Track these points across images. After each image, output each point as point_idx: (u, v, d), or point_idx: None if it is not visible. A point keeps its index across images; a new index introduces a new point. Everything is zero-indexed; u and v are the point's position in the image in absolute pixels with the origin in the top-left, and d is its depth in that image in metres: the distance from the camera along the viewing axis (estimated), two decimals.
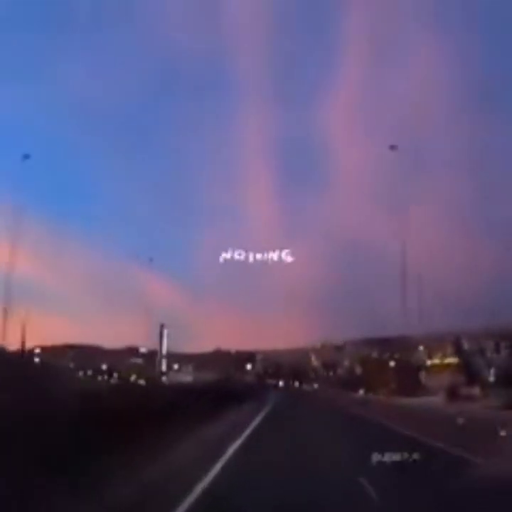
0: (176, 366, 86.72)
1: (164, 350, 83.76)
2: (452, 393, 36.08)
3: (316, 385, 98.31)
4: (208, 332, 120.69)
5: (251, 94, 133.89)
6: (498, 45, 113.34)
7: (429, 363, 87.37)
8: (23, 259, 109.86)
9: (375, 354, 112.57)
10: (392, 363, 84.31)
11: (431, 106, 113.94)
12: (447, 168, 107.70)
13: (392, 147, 55.56)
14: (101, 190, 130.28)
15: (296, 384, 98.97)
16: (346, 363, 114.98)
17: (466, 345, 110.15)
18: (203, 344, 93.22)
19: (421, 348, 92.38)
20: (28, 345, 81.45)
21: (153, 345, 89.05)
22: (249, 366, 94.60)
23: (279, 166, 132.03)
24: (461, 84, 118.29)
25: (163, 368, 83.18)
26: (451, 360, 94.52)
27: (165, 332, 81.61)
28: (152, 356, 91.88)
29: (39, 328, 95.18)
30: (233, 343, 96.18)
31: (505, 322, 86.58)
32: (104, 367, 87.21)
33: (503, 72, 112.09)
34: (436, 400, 38.20)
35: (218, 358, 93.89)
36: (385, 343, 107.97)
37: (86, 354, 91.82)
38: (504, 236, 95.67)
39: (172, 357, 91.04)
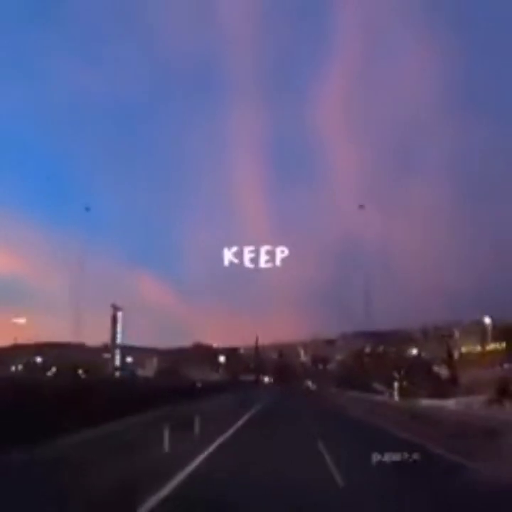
0: (129, 360, 75.00)
1: (118, 339, 71.13)
2: (503, 391, 25.52)
3: (310, 383, 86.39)
4: (188, 327, 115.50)
5: (243, 95, 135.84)
6: (490, 44, 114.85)
7: (463, 350, 75.51)
8: (10, 260, 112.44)
9: (368, 348, 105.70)
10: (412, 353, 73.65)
11: (420, 107, 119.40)
12: (436, 167, 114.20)
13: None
14: (92, 191, 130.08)
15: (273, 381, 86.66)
16: (339, 357, 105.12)
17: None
18: (182, 339, 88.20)
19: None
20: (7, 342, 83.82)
21: (131, 341, 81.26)
22: (222, 360, 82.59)
23: (270, 166, 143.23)
24: (453, 86, 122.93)
25: (117, 361, 70.35)
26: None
27: (120, 316, 68.75)
28: (126, 351, 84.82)
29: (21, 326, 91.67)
30: (216, 338, 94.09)
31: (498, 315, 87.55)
32: (38, 360, 76.55)
33: (494, 72, 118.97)
34: (477, 400, 27.28)
35: (196, 353, 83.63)
36: (379, 337, 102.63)
37: (67, 351, 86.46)
38: (496, 234, 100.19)
39: (142, 351, 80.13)
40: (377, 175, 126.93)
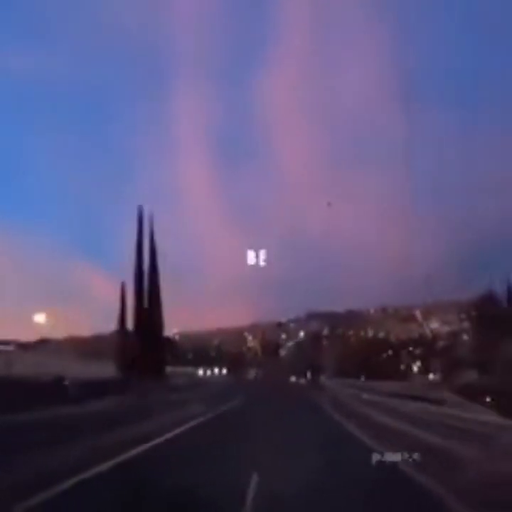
0: None
1: None
2: None
3: (257, 372, 69.64)
4: (110, 312, 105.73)
5: (192, 81, 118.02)
6: (444, 29, 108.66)
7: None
8: None
9: (326, 331, 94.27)
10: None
11: (374, 93, 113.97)
12: (388, 154, 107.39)
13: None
14: (39, 179, 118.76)
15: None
16: (291, 342, 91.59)
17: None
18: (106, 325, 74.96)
19: None
20: None
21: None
22: None
23: (218, 152, 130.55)
24: (404, 76, 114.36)
25: None
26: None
27: None
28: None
29: None
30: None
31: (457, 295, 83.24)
32: None
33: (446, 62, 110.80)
34: None
35: (112, 341, 66.47)
36: (332, 318, 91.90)
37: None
38: (452, 218, 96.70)
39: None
40: (329, 161, 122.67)
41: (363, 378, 36.86)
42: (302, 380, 62.29)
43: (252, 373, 61.92)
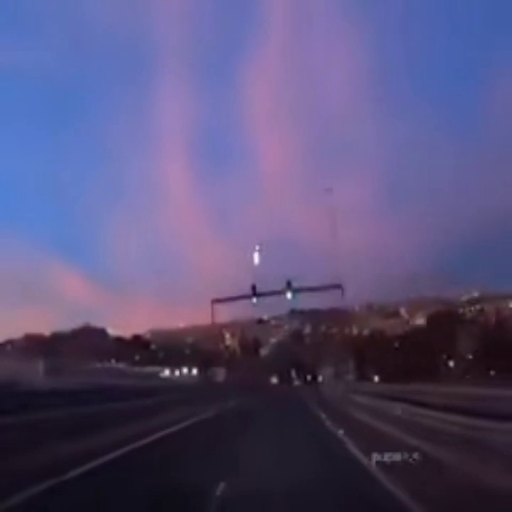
0: None
1: None
2: None
3: (227, 372, 61.43)
4: (80, 310, 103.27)
5: (175, 82, 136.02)
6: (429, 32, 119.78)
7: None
8: None
9: (308, 328, 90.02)
10: None
11: (354, 95, 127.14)
12: (371, 155, 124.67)
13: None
14: (16, 183, 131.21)
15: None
16: (273, 339, 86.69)
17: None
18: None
19: None
20: None
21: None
22: None
23: (197, 156, 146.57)
24: (385, 73, 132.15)
25: None
26: None
27: None
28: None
29: None
30: (116, 323, 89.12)
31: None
32: None
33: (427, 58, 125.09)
34: None
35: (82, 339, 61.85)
36: (317, 315, 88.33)
37: None
38: (431, 218, 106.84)
39: None
40: (314, 161, 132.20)
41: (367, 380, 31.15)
42: (297, 382, 55.65)
43: (221, 374, 49.45)
